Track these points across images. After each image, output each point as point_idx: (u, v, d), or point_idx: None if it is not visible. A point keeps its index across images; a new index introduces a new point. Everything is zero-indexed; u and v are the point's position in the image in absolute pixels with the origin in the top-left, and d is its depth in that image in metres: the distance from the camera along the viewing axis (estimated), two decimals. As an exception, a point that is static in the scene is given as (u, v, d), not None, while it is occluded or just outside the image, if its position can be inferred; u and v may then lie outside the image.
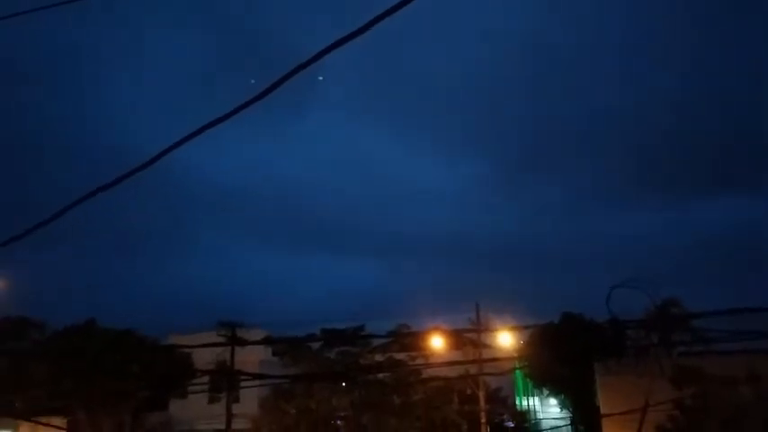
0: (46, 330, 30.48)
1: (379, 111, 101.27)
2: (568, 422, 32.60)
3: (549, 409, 38.26)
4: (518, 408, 36.23)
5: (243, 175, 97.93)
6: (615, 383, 22.44)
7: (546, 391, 35.88)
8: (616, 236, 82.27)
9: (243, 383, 31.02)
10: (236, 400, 30.76)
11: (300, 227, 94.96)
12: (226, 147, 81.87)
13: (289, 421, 29.26)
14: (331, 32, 4.23)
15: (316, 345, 31.66)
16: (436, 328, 27.56)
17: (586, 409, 26.79)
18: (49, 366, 28.78)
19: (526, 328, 25.88)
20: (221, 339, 28.65)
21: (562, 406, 34.55)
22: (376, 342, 32.24)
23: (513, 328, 26.38)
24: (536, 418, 37.58)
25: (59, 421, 29.10)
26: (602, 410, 23.77)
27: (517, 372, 32.34)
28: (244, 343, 28.55)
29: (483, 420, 26.68)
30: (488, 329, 27.11)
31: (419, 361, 29.93)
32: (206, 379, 32.20)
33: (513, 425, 34.71)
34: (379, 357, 31.35)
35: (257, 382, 29.84)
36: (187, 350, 29.69)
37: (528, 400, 39.32)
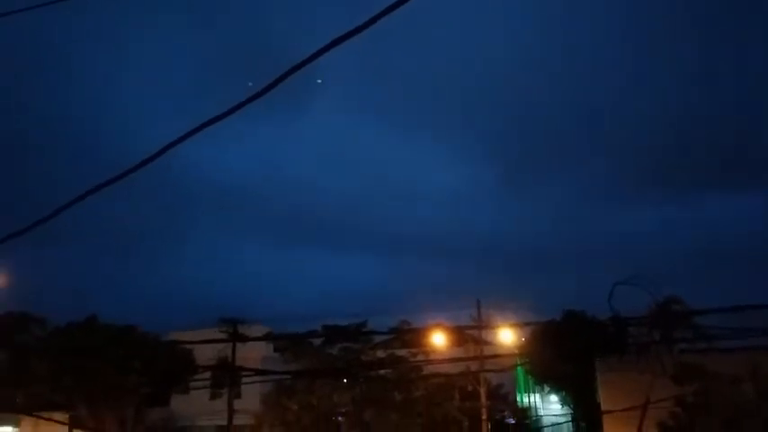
0: (47, 326, 30.53)
1: (380, 109, 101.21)
2: (569, 419, 32.63)
3: (550, 406, 38.29)
4: (519, 404, 36.26)
5: (244, 173, 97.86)
6: (616, 380, 22.44)
7: (547, 388, 35.88)
8: (618, 234, 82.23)
9: (244, 379, 31.07)
10: (238, 395, 30.83)
11: (301, 224, 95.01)
12: (226, 145, 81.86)
13: (290, 417, 29.31)
14: (333, 31, 4.20)
15: (317, 341, 31.67)
16: (438, 325, 27.57)
17: (587, 406, 26.80)
18: (51, 362, 28.86)
19: (527, 325, 25.91)
20: (223, 336, 28.72)
21: (563, 403, 34.56)
22: (377, 338, 32.25)
23: (515, 325, 26.38)
24: (537, 415, 37.60)
25: (61, 416, 29.21)
26: (603, 407, 23.79)
27: (518, 368, 32.36)
28: (245, 339, 28.60)
29: (484, 417, 26.72)
30: (490, 326, 27.13)
31: (420, 357, 29.95)
32: (208, 375, 32.27)
33: (513, 421, 34.75)
34: (380, 354, 31.37)
35: (259, 378, 29.91)
36: (189, 346, 29.73)
37: (529, 396, 39.34)
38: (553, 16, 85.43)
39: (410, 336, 31.16)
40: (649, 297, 21.35)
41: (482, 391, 26.94)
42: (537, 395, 39.72)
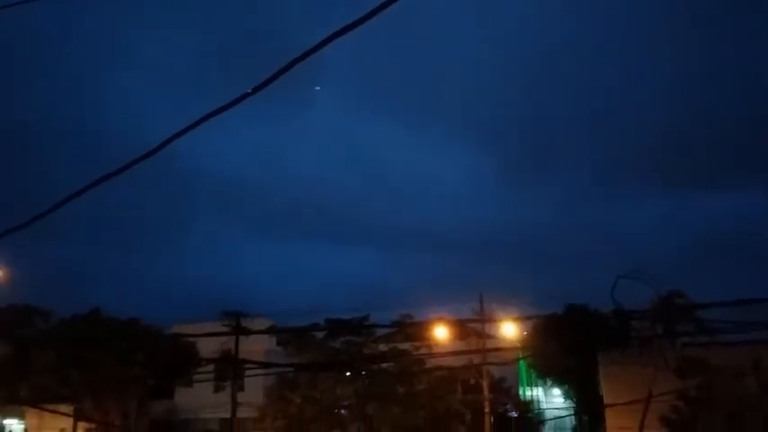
0: (51, 319, 30.64)
1: (382, 103, 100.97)
2: (572, 412, 32.68)
3: (552, 400, 38.35)
4: (522, 398, 36.32)
5: (246, 167, 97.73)
6: (619, 374, 22.45)
7: (549, 382, 35.92)
8: (619, 229, 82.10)
9: (247, 372, 31.19)
10: (242, 388, 30.95)
11: (303, 218, 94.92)
12: (229, 138, 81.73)
13: (293, 410, 29.40)
14: (335, 23, 4.19)
15: (320, 334, 31.75)
16: (440, 319, 27.60)
17: (590, 400, 26.83)
18: (55, 354, 28.98)
19: (530, 318, 25.92)
20: (225, 329, 28.82)
21: (566, 396, 34.60)
22: (380, 332, 32.30)
23: (517, 319, 26.39)
24: (539, 409, 37.66)
25: (66, 408, 29.39)
26: (606, 401, 23.82)
27: (521, 362, 32.40)
28: (248, 332, 28.69)
29: (486, 410, 26.76)
30: (492, 320, 27.15)
31: (423, 351, 30.00)
32: (211, 368, 32.40)
33: (516, 415, 34.82)
34: (383, 347, 31.42)
35: (262, 371, 30.01)
36: (192, 339, 29.83)
37: (531, 390, 39.40)
38: (554, 13, 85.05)
39: (412, 329, 31.19)
40: (651, 291, 21.36)
41: (484, 384, 26.99)
42: (539, 389, 39.78)
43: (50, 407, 28.13)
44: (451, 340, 29.10)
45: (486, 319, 26.89)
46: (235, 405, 29.49)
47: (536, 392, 39.73)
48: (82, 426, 31.57)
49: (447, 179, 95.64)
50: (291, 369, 29.66)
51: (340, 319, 31.35)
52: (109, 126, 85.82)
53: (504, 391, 32.29)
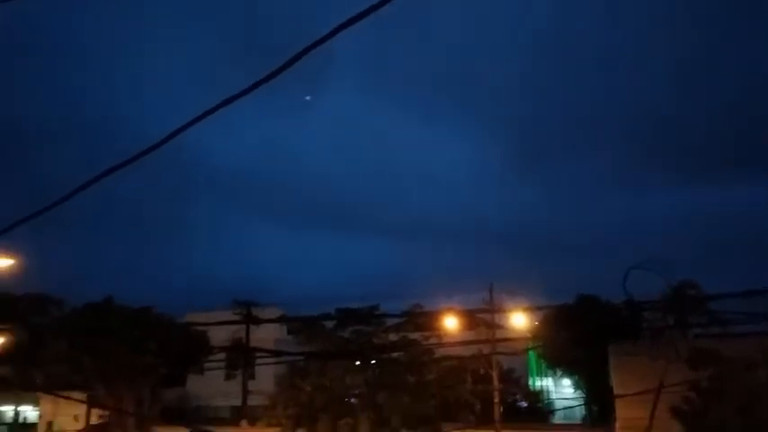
0: (65, 307, 30.98)
1: (395, 94, 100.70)
2: (582, 403, 32.67)
3: (562, 390, 38.36)
4: (531, 388, 36.35)
5: (257, 157, 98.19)
6: (629, 365, 22.36)
7: (559, 372, 35.91)
8: (631, 219, 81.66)
9: (258, 361, 31.41)
10: (252, 377, 31.20)
11: (315, 208, 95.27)
12: (240, 128, 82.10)
13: (304, 398, 29.56)
14: (347, 12, 4.15)
15: (330, 323, 31.88)
16: (450, 309, 27.60)
17: (600, 390, 26.80)
18: (69, 342, 29.31)
19: (540, 309, 25.87)
20: (237, 318, 29.01)
21: (576, 387, 34.58)
22: (390, 321, 32.38)
23: (527, 309, 26.32)
24: (549, 399, 37.70)
25: (80, 396, 29.75)
26: (616, 392, 23.75)
27: (531, 353, 32.39)
28: (258, 321, 28.87)
29: (496, 400, 26.79)
30: (502, 310, 27.11)
31: (433, 341, 30.04)
32: (222, 356, 32.67)
33: (526, 405, 34.88)
34: (393, 337, 31.51)
35: (272, 360, 30.22)
36: (203, 328, 30.07)
37: (541, 380, 39.42)
38: (569, 2, 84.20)
39: (422, 319, 31.24)
40: (663, 281, 21.20)
41: (494, 374, 27.00)
42: (549, 379, 39.79)
43: (64, 394, 28.50)
44: (461, 330, 29.12)
45: (495, 309, 26.84)
46: (245, 393, 29.76)
47: (546, 383, 39.75)
48: (95, 413, 31.98)
49: (459, 170, 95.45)
50: (302, 358, 29.82)
51: (350, 308, 31.45)
52: (120, 116, 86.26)
53: (514, 381, 32.33)
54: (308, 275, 73.73)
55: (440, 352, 29.63)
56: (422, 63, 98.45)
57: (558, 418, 36.15)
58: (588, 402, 32.16)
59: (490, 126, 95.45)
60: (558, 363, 32.56)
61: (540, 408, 35.84)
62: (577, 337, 23.33)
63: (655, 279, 20.99)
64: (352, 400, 30.51)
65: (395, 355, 30.30)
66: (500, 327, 28.91)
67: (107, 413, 31.87)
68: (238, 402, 30.65)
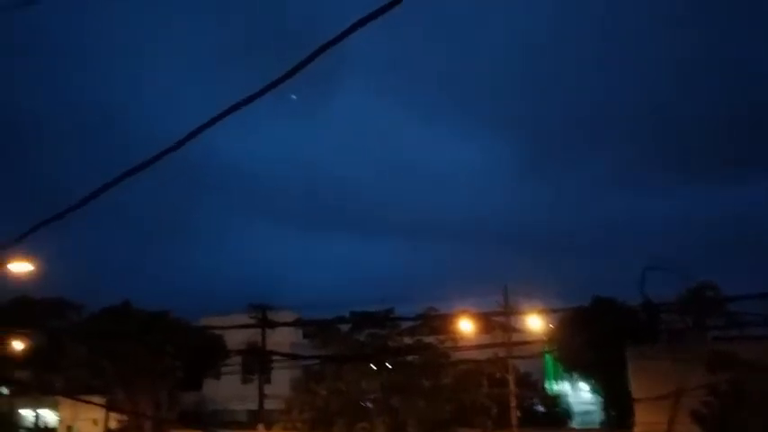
0: (83, 312, 31.32)
1: (407, 95, 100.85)
2: (600, 407, 32.33)
3: (579, 394, 38.01)
4: (548, 392, 36.06)
5: (271, 160, 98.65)
6: (647, 368, 22.11)
7: (576, 376, 35.61)
8: (646, 219, 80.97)
9: (274, 365, 31.52)
10: (268, 381, 31.31)
11: (329, 210, 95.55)
12: (252, 130, 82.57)
13: (319, 402, 29.61)
14: (359, 12, 4.18)
15: (345, 327, 31.94)
16: (464, 312, 27.51)
17: (618, 394, 26.51)
18: (88, 347, 29.63)
19: (555, 311, 25.69)
20: (252, 321, 29.14)
21: (593, 390, 34.26)
22: (405, 325, 32.35)
23: (543, 312, 26.15)
24: (566, 403, 37.36)
25: (98, 400, 30.03)
26: (635, 395, 23.49)
27: (547, 356, 32.16)
28: (274, 325, 28.96)
29: (513, 404, 26.63)
30: (517, 312, 26.97)
31: (448, 344, 29.95)
32: (239, 360, 32.82)
33: (543, 409, 34.60)
34: (407, 340, 31.47)
35: (288, 364, 30.30)
36: (219, 331, 30.25)
37: (558, 384, 39.11)
38: (580, 3, 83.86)
39: (437, 322, 31.19)
40: (680, 283, 20.97)
41: (510, 378, 26.85)
42: (566, 383, 39.46)
43: (84, 398, 28.79)
44: (476, 333, 29.00)
45: (511, 311, 26.71)
46: (262, 397, 29.84)
47: (563, 387, 39.43)
48: (114, 417, 32.25)
49: (472, 171, 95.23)
50: (317, 361, 29.87)
51: (365, 311, 31.49)
52: (137, 118, 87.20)
53: (531, 385, 32.09)
54: (321, 278, 73.93)
55: (455, 355, 29.54)
56: (435, 63, 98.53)
57: (575, 423, 35.82)
58: (606, 407, 31.83)
59: (503, 127, 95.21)
60: (574, 366, 32.28)
61: (557, 412, 35.55)
62: (594, 340, 23.11)
63: (669, 280, 20.78)
64: (368, 404, 30.50)
65: (410, 358, 30.26)
66: (516, 330, 28.76)
67: (125, 417, 32.13)
68: (255, 406, 30.74)
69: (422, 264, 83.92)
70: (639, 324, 22.95)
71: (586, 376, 33.27)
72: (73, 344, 30.00)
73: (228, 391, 34.79)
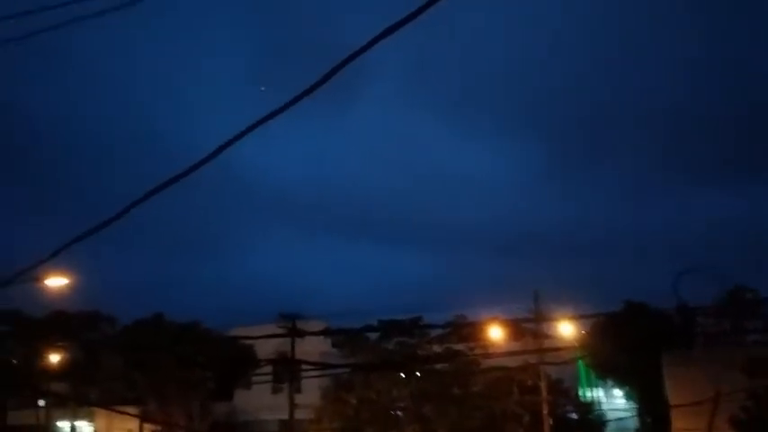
0: (116, 324, 31.87)
1: (430, 100, 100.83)
2: (635, 414, 31.72)
3: (614, 401, 37.35)
4: (581, 399, 35.48)
5: (298, 170, 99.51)
6: (684, 373, 21.64)
7: (610, 382, 35.00)
8: (678, 222, 79.48)
9: (304, 374, 31.60)
10: (298, 390, 31.40)
11: (356, 220, 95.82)
12: (278, 142, 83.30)
13: (349, 411, 29.61)
14: (385, 21, 4.19)
15: (374, 335, 31.91)
16: (494, 319, 27.26)
17: (654, 400, 25.97)
18: (122, 359, 30.13)
19: (587, 317, 25.29)
20: (282, 331, 29.30)
21: (628, 397, 33.62)
22: (434, 333, 32.19)
23: (574, 318, 25.78)
24: (601, 410, 36.73)
25: (133, 410, 30.49)
26: (671, 401, 22.99)
27: (579, 362, 31.67)
28: (303, 334, 29.05)
29: (545, 412, 26.25)
30: (547, 319, 26.63)
31: (477, 351, 29.71)
32: (269, 370, 32.99)
33: (576, 417, 34.03)
34: (436, 348, 31.31)
35: (317, 373, 30.36)
36: (249, 342, 30.46)
37: (591, 391, 38.49)
38: (610, 7, 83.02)
39: (466, 330, 30.97)
40: (714, 287, 20.49)
41: (542, 385, 26.47)
42: (600, 389, 38.81)
43: (118, 409, 29.26)
44: (506, 340, 28.71)
45: (541, 318, 26.38)
46: (292, 406, 29.91)
47: (596, 393, 38.78)
48: (148, 427, 32.69)
49: (500, 178, 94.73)
50: (347, 370, 29.88)
51: (393, 319, 31.42)
52: (167, 132, 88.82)
53: (563, 392, 31.61)
54: (349, 287, 74.09)
55: (485, 363, 29.28)
56: (461, 71, 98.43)
57: (609, 430, 35.19)
58: (641, 413, 31.22)
59: (531, 132, 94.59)
60: (607, 372, 31.75)
61: (590, 419, 34.97)
62: (628, 346, 22.70)
63: (704, 284, 20.32)
64: (398, 412, 30.39)
65: (439, 366, 30.09)
66: (547, 336, 28.39)
67: (159, 428, 32.53)
68: (285, 416, 30.84)
69: (449, 272, 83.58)
70: (674, 328, 22.49)
71: (620, 383, 32.70)
72: (108, 356, 30.52)
73: (259, 401, 34.96)
